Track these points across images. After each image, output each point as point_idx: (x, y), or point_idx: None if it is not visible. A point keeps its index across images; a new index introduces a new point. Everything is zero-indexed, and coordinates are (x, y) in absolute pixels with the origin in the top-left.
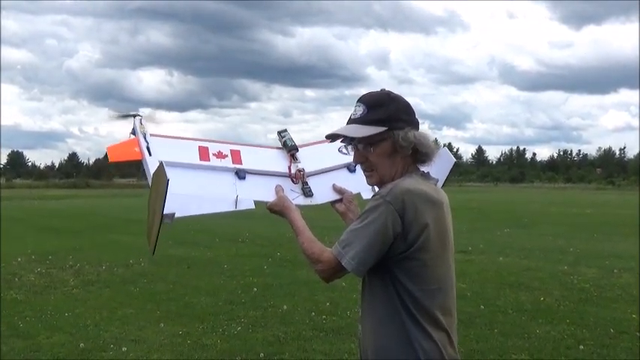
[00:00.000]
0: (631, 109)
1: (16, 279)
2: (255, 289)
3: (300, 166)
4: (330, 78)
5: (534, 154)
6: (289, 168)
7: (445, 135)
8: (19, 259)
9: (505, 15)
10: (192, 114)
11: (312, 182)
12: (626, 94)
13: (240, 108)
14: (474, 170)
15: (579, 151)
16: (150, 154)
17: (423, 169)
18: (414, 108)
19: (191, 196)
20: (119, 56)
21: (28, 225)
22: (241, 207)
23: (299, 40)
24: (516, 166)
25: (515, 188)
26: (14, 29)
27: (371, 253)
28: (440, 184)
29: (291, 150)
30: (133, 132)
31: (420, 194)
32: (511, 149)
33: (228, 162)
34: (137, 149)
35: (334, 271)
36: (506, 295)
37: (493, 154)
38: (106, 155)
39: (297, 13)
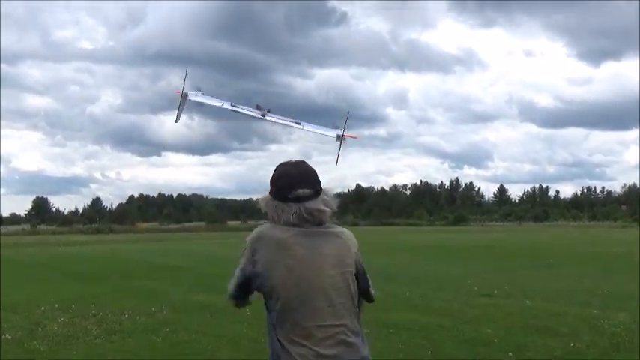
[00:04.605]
0: None
1: (40, 329)
2: None
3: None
4: (349, 119)
5: (557, 191)
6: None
7: (466, 174)
8: (43, 308)
9: (522, 53)
10: (213, 157)
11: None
12: None
13: (260, 151)
14: (496, 209)
15: (603, 188)
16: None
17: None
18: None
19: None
20: (140, 101)
21: (52, 271)
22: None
23: (317, 81)
24: (539, 205)
25: (539, 227)
26: (37, 77)
27: (237, 288)
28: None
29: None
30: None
31: (267, 237)
32: (534, 187)
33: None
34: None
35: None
36: (535, 341)
37: (515, 192)
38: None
39: (315, 55)
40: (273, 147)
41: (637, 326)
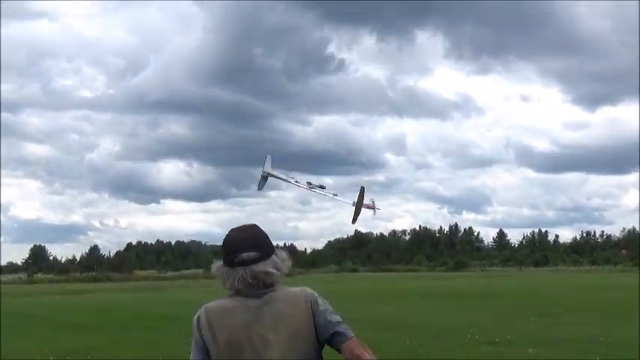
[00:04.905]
0: None
1: None
2: None
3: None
4: (348, 165)
5: (557, 236)
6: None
7: (465, 219)
8: None
9: (519, 98)
10: (212, 204)
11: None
12: None
13: (260, 197)
14: (496, 254)
15: (602, 232)
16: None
17: None
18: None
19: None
20: (139, 148)
21: (47, 321)
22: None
23: (316, 127)
24: (539, 249)
25: (539, 272)
26: (37, 125)
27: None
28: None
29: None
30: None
31: (210, 312)
32: (533, 232)
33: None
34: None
35: None
36: None
37: (515, 237)
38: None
39: (314, 102)
40: (273, 193)
41: None
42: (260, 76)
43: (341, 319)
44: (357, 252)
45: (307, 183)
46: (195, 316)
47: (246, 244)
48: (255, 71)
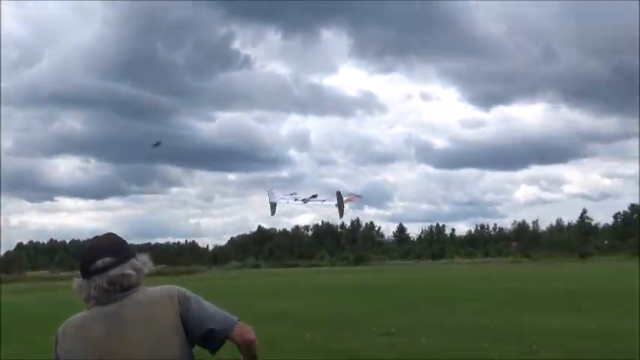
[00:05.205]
0: (541, 184)
1: None
2: None
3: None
4: (251, 161)
5: (453, 229)
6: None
7: (367, 214)
8: None
9: (419, 97)
10: (110, 201)
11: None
12: (536, 170)
13: (160, 193)
14: (395, 248)
15: (495, 225)
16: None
17: None
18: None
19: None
20: (32, 144)
21: None
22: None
23: (220, 124)
24: (436, 243)
25: (436, 264)
26: None
27: None
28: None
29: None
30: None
31: (69, 327)
32: (431, 226)
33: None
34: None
35: None
36: None
37: (414, 231)
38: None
39: (218, 98)
40: (174, 189)
41: (525, 358)
42: (163, 71)
43: (218, 310)
44: (260, 248)
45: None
46: (56, 335)
47: (102, 252)
48: (158, 66)
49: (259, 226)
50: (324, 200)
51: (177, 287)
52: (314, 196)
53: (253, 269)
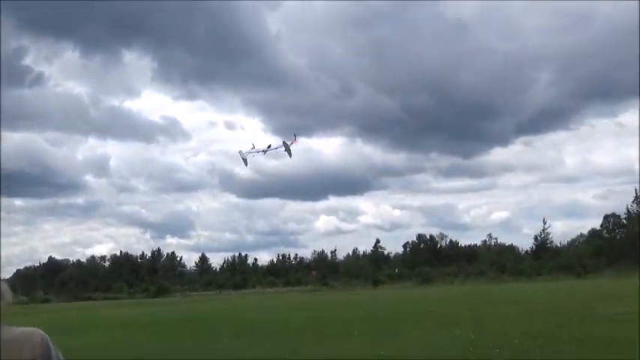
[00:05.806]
0: (339, 214)
1: None
2: None
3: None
4: (42, 186)
5: (256, 259)
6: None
7: (169, 243)
8: None
9: (223, 125)
10: None
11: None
12: (335, 200)
13: None
14: (197, 279)
15: (296, 254)
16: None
17: None
18: None
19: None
20: None
21: None
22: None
23: (7, 145)
24: (239, 272)
25: (238, 294)
26: None
27: None
28: None
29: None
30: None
31: None
32: (234, 255)
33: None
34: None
35: None
36: None
37: (217, 261)
38: None
39: (5, 117)
40: None
41: None
42: None
43: None
44: (49, 281)
45: (267, 146)
46: None
47: None
48: None
49: (50, 257)
50: (276, 148)
51: (44, 333)
52: (269, 147)
53: (43, 304)
